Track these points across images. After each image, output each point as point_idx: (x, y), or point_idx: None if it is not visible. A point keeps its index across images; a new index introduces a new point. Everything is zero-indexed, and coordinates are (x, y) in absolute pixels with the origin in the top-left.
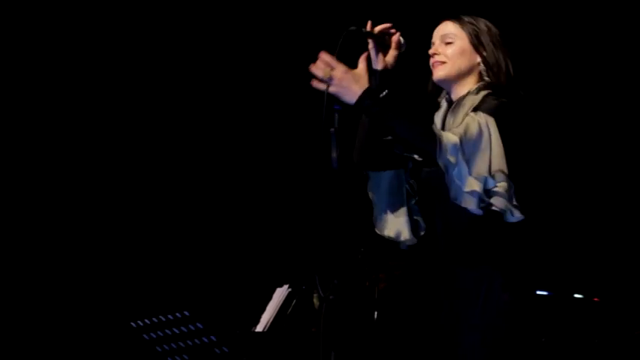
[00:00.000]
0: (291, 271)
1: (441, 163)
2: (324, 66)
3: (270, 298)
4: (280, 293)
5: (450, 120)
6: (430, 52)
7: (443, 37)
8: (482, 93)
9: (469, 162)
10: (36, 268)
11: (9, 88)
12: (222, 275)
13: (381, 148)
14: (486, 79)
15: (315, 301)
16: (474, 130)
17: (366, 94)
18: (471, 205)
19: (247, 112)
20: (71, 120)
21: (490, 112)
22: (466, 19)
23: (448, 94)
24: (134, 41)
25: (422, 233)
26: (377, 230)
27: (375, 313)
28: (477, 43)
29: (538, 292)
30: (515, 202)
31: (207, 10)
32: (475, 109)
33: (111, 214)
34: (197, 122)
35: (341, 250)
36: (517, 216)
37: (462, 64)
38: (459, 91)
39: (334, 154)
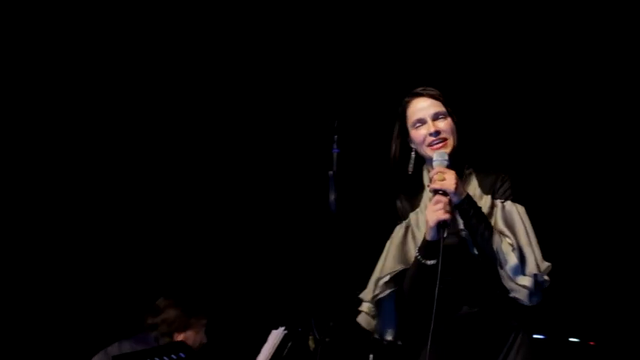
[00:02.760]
0: (288, 313)
1: (499, 265)
2: (438, 176)
3: (265, 340)
4: (276, 335)
5: None
6: (431, 131)
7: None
8: (469, 171)
9: (522, 262)
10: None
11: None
12: (218, 316)
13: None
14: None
15: (311, 343)
16: (519, 229)
17: (467, 196)
18: (522, 296)
19: (247, 155)
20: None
21: (516, 200)
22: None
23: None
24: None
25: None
26: (372, 331)
27: (371, 356)
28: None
29: (534, 336)
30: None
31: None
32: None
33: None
34: (192, 158)
35: (337, 293)
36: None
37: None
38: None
39: (332, 197)
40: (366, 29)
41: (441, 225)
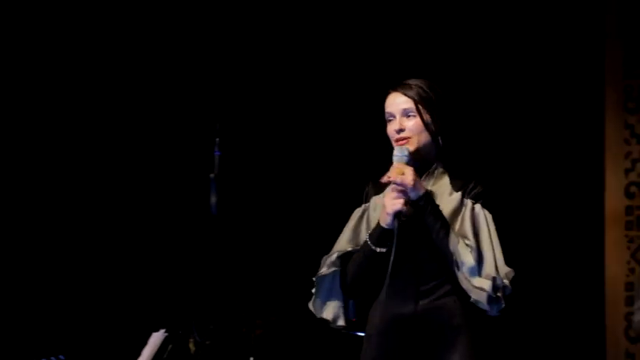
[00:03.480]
0: (168, 316)
1: (455, 265)
2: (397, 171)
3: (145, 342)
4: (156, 338)
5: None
6: (396, 128)
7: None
8: (443, 170)
9: (480, 264)
10: None
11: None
12: (98, 319)
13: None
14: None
15: (192, 346)
16: (483, 232)
17: (425, 194)
18: (482, 299)
19: (128, 157)
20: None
21: (486, 205)
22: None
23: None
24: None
25: (354, 320)
26: (313, 311)
27: (251, 358)
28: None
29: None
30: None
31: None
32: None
33: None
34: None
35: (218, 296)
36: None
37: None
38: (425, 164)
39: (214, 200)
40: (246, 32)
41: (396, 215)
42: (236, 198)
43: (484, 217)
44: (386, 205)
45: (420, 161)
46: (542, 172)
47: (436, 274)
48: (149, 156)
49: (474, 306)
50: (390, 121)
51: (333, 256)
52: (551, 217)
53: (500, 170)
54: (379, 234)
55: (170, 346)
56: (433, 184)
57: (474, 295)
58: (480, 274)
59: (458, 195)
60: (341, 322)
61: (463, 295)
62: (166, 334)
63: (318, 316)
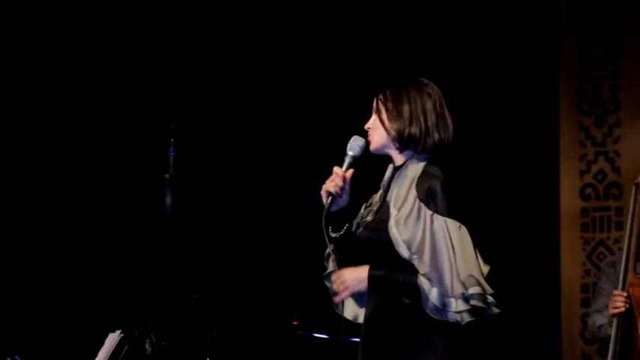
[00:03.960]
0: (124, 317)
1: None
2: (335, 284)
3: (102, 343)
4: (112, 339)
5: (393, 190)
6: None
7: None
8: (420, 165)
9: (444, 288)
10: None
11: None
12: (54, 320)
13: None
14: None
15: (148, 346)
16: (439, 250)
17: (370, 271)
18: (467, 318)
19: (82, 157)
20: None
21: (445, 212)
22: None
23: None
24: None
25: None
26: (339, 312)
27: (207, 359)
28: (394, 114)
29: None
30: (490, 299)
31: None
32: (424, 199)
33: None
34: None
35: (173, 296)
36: (495, 310)
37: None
38: (397, 159)
39: (168, 200)
40: (200, 32)
41: (329, 194)
42: (191, 198)
43: (443, 230)
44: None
45: (385, 154)
46: (498, 175)
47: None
48: (104, 156)
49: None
50: None
51: (327, 251)
52: (506, 219)
53: (453, 171)
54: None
55: (126, 346)
56: (406, 183)
57: (460, 320)
58: (448, 301)
59: (413, 196)
60: (361, 320)
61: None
62: (122, 334)
63: (343, 315)
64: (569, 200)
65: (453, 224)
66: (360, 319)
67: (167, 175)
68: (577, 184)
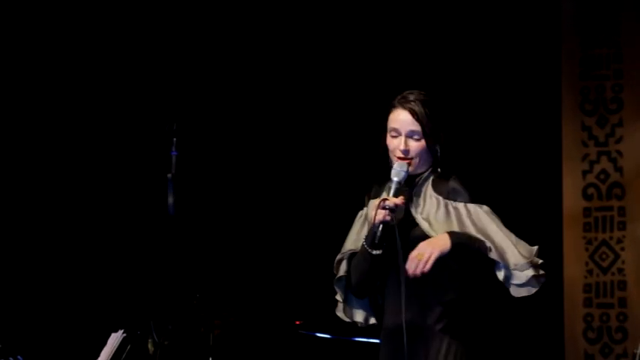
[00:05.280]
0: (126, 316)
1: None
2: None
3: (104, 343)
4: (115, 338)
5: (416, 200)
6: (402, 148)
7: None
8: (434, 175)
9: (510, 261)
10: None
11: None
12: (57, 320)
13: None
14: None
15: (150, 346)
16: (492, 229)
17: (453, 245)
18: (533, 285)
19: (85, 156)
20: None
21: (480, 201)
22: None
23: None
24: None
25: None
26: (345, 317)
27: (210, 359)
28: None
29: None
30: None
31: None
32: (450, 197)
33: None
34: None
35: (176, 296)
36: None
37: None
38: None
39: (171, 200)
40: (203, 32)
41: (383, 223)
42: (193, 198)
43: (484, 213)
44: (372, 217)
45: (414, 175)
46: (501, 175)
47: (427, 282)
48: (106, 156)
49: (458, 311)
50: (393, 135)
51: (340, 257)
52: (509, 219)
53: (457, 171)
54: (372, 237)
55: (129, 346)
56: (423, 190)
57: (524, 291)
58: (514, 267)
59: (440, 198)
60: (373, 321)
61: (447, 302)
62: (125, 334)
63: (349, 320)
64: (571, 200)
65: (487, 208)
66: (371, 322)
67: (169, 175)
68: (579, 184)
